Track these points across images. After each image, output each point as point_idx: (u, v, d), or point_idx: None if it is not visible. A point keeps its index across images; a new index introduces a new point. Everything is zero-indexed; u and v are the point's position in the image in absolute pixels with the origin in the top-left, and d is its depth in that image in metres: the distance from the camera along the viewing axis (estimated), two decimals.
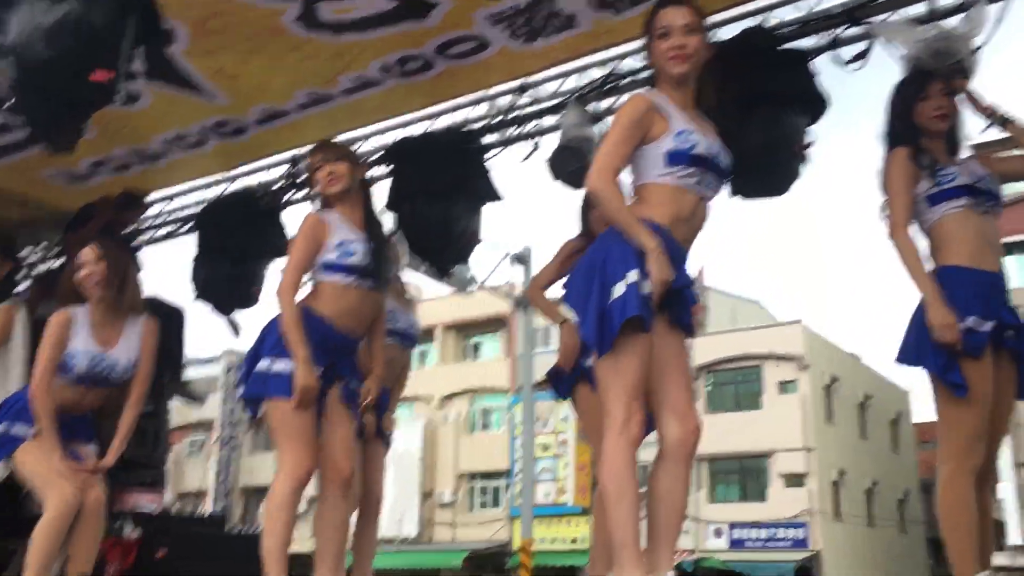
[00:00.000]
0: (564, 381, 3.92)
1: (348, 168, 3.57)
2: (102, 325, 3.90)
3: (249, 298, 6.25)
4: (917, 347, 3.12)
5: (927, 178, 3.20)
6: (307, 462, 3.31)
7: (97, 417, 4.06)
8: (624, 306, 2.55)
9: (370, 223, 3.59)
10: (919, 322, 3.10)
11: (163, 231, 7.12)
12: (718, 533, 26.35)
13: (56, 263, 7.19)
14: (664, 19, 2.79)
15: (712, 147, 2.79)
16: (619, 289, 2.58)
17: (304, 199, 6.39)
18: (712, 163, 2.78)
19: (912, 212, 3.21)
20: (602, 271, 2.64)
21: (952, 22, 4.11)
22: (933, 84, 3.33)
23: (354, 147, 6.01)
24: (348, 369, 3.52)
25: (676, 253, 2.71)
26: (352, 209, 3.57)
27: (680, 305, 2.74)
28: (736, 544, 25.96)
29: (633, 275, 2.58)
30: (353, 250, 3.42)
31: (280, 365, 3.29)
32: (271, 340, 3.36)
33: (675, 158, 2.71)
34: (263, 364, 3.34)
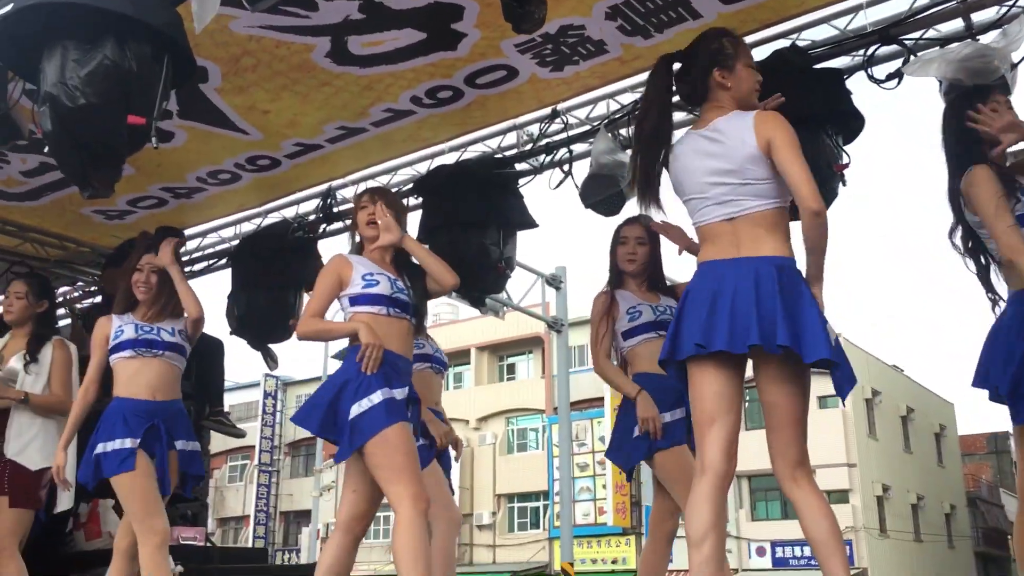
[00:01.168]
0: (634, 450, 3.77)
1: (392, 216, 3.56)
2: (144, 319, 4.13)
3: (285, 331, 6.27)
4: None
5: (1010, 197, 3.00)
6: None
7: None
8: None
9: (401, 265, 3.59)
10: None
11: (200, 265, 7.18)
12: (760, 551, 25.99)
13: (96, 299, 7.28)
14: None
15: None
16: None
17: (340, 231, 6.42)
18: None
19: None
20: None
21: (988, 37, 4.03)
22: (992, 95, 3.21)
23: (386, 178, 6.05)
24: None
25: None
26: (384, 253, 3.58)
27: None
28: (779, 563, 25.56)
29: None
30: (377, 280, 3.43)
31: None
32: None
33: None
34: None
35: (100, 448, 3.85)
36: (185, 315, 4.15)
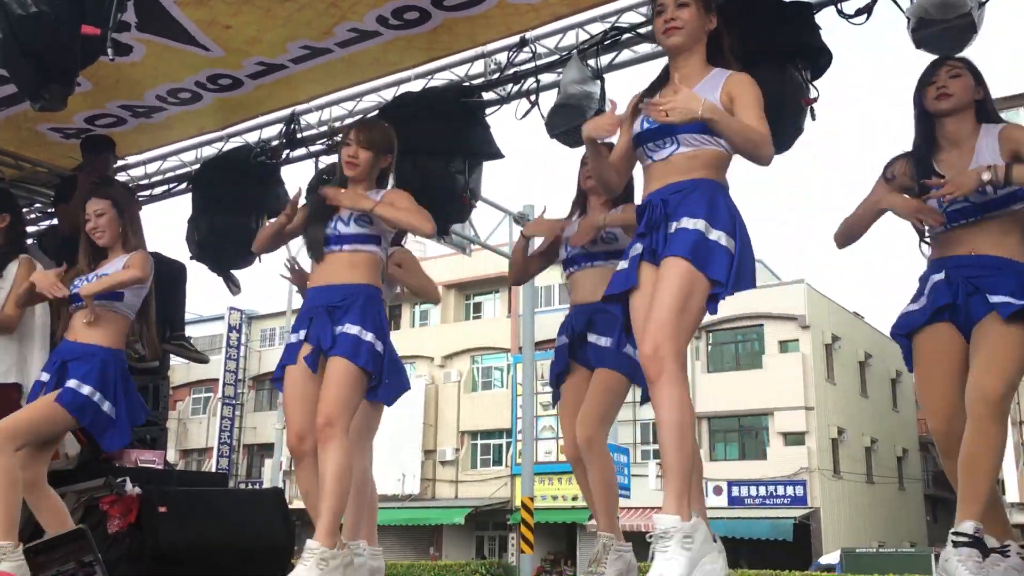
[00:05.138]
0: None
1: (369, 157, 3.60)
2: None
3: (247, 256, 6.20)
4: None
5: None
6: None
7: None
8: None
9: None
10: None
11: (160, 189, 7.06)
12: (717, 491, 26.55)
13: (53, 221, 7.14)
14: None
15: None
16: None
17: (304, 157, 6.33)
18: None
19: None
20: None
21: None
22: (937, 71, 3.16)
23: (351, 104, 5.97)
24: None
25: None
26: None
27: None
28: (735, 501, 26.18)
29: None
30: None
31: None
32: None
33: None
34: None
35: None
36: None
